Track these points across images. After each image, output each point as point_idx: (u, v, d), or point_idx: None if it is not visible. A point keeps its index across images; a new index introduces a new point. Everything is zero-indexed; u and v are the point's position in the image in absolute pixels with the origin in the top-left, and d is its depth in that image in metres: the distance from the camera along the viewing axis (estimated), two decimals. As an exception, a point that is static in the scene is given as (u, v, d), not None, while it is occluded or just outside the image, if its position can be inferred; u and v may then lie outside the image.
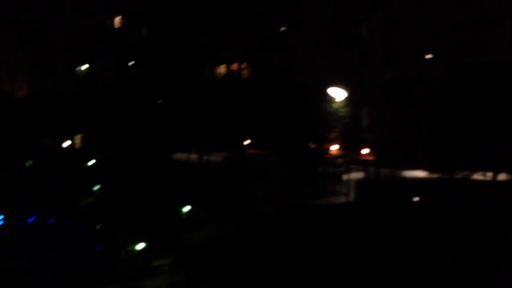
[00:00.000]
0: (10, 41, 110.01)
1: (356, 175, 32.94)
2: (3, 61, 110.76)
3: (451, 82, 30.91)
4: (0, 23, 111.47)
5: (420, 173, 31.40)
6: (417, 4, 45.53)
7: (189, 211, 31.79)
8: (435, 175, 28.78)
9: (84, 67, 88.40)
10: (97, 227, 34.70)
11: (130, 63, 79.10)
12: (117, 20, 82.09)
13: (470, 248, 21.35)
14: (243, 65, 63.81)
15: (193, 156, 45.93)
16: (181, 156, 46.59)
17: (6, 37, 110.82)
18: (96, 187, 40.28)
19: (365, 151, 36.89)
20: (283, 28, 58.23)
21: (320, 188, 32.68)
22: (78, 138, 63.27)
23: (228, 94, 46.75)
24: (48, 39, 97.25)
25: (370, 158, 35.97)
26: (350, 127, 36.86)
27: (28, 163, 53.90)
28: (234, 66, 65.02)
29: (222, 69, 66.55)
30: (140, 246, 27.44)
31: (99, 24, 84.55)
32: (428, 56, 45.77)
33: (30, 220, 37.91)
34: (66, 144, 61.39)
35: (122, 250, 29.09)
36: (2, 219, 37.97)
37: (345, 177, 32.72)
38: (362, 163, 34.40)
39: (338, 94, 36.61)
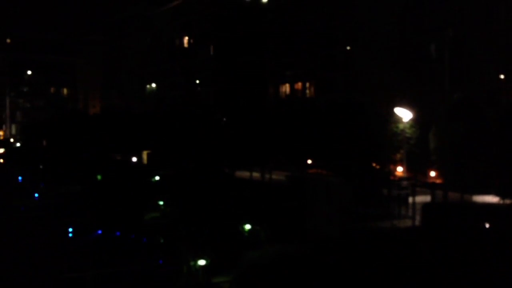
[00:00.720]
0: (85, 61, 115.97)
1: (423, 198, 31.82)
2: (79, 80, 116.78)
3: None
4: (76, 44, 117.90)
5: (491, 199, 29.94)
6: (489, 22, 43.95)
7: (250, 229, 31.80)
8: (508, 201, 27.32)
9: (152, 85, 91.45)
10: (161, 241, 35.37)
11: (197, 82, 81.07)
12: (185, 40, 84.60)
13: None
14: (307, 84, 63.80)
15: (256, 175, 46.13)
16: (243, 174, 46.92)
17: (82, 57, 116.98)
18: (161, 203, 41.18)
19: (432, 173, 35.66)
20: (348, 47, 57.89)
21: (384, 210, 31.77)
22: (145, 154, 65.32)
23: (291, 113, 46.75)
24: (120, 59, 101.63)
25: (438, 181, 34.71)
26: (416, 148, 35.78)
27: (98, 177, 56.07)
28: (298, 85, 65.15)
29: (286, 88, 66.84)
30: (202, 262, 27.65)
31: (168, 44, 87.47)
32: (501, 76, 43.92)
33: (97, 233, 39.22)
34: (134, 159, 63.47)
35: (184, 266, 29.44)
36: (72, 231, 39.55)
37: (410, 200, 31.68)
38: (429, 186, 33.21)
39: (404, 114, 35.69)
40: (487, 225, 25.67)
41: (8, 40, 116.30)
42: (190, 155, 49.40)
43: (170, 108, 73.46)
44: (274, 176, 44.39)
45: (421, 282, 21.32)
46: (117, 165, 60.50)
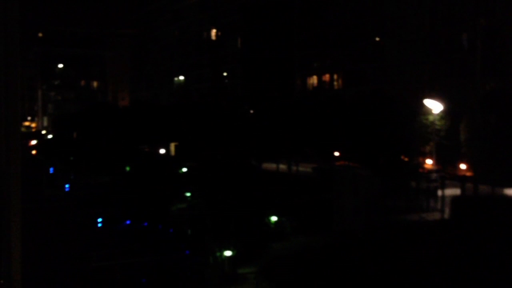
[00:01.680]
0: (115, 54, 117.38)
1: (452, 191, 31.22)
2: (109, 73, 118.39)
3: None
4: (106, 37, 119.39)
5: (524, 192, 29.18)
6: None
7: (276, 221, 31.73)
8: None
9: (180, 78, 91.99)
10: (188, 232, 35.62)
11: (224, 74, 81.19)
12: (213, 33, 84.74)
13: None
14: (335, 76, 63.20)
15: (282, 167, 46.01)
16: (270, 166, 46.86)
17: (111, 50, 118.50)
18: (188, 194, 41.43)
19: (462, 166, 34.96)
20: (377, 38, 57.05)
21: (413, 203, 31.30)
22: (172, 146, 65.83)
23: (318, 105, 46.42)
24: (148, 52, 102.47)
25: (468, 174, 34.01)
26: (446, 140, 35.11)
27: (127, 168, 56.77)
28: (326, 77, 64.59)
29: (313, 80, 66.35)
30: (228, 253, 27.71)
31: (195, 37, 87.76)
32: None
33: (126, 223, 39.74)
34: (162, 151, 64.06)
35: (210, 256, 29.57)
36: (101, 221, 40.15)
37: (439, 193, 31.10)
38: (459, 179, 32.57)
39: (434, 106, 35.02)
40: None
41: (40, 34, 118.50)
42: (217, 147, 49.55)
43: (198, 100, 73.78)
44: (301, 168, 44.20)
45: (449, 276, 20.91)
46: (145, 156, 61.11)
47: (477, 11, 45.72)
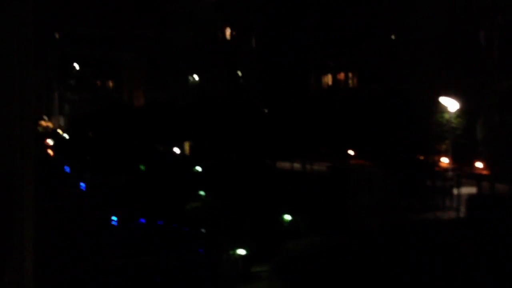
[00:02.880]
0: (130, 55, 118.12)
1: (468, 190, 30.91)
2: (124, 74, 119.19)
3: None
4: (122, 39, 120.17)
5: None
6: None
7: (290, 220, 31.68)
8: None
9: (195, 78, 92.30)
10: (202, 231, 35.71)
11: (239, 74, 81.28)
12: (228, 33, 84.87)
13: None
14: (350, 75, 62.88)
15: (297, 165, 45.91)
16: (284, 164, 46.78)
17: (127, 51, 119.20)
18: (202, 193, 41.56)
19: (479, 164, 34.53)
20: (392, 37, 56.63)
21: (428, 202, 31.05)
22: (187, 145, 66.03)
23: (333, 103, 46.27)
24: (163, 53, 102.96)
25: (485, 172, 33.58)
26: (463, 139, 34.74)
27: (142, 167, 57.09)
28: (341, 76, 64.27)
29: (328, 79, 66.08)
30: (242, 251, 27.77)
31: (210, 37, 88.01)
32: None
33: (141, 222, 39.96)
34: (176, 150, 64.28)
35: (224, 255, 29.64)
36: (116, 220, 40.44)
37: (455, 191, 30.80)
38: (475, 178, 32.20)
39: (450, 104, 34.70)
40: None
41: (57, 36, 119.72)
42: (231, 146, 49.62)
43: (212, 100, 73.95)
44: (315, 167, 44.06)
45: (464, 276, 20.67)
46: (160, 156, 61.40)
47: (494, 8, 45.18)
